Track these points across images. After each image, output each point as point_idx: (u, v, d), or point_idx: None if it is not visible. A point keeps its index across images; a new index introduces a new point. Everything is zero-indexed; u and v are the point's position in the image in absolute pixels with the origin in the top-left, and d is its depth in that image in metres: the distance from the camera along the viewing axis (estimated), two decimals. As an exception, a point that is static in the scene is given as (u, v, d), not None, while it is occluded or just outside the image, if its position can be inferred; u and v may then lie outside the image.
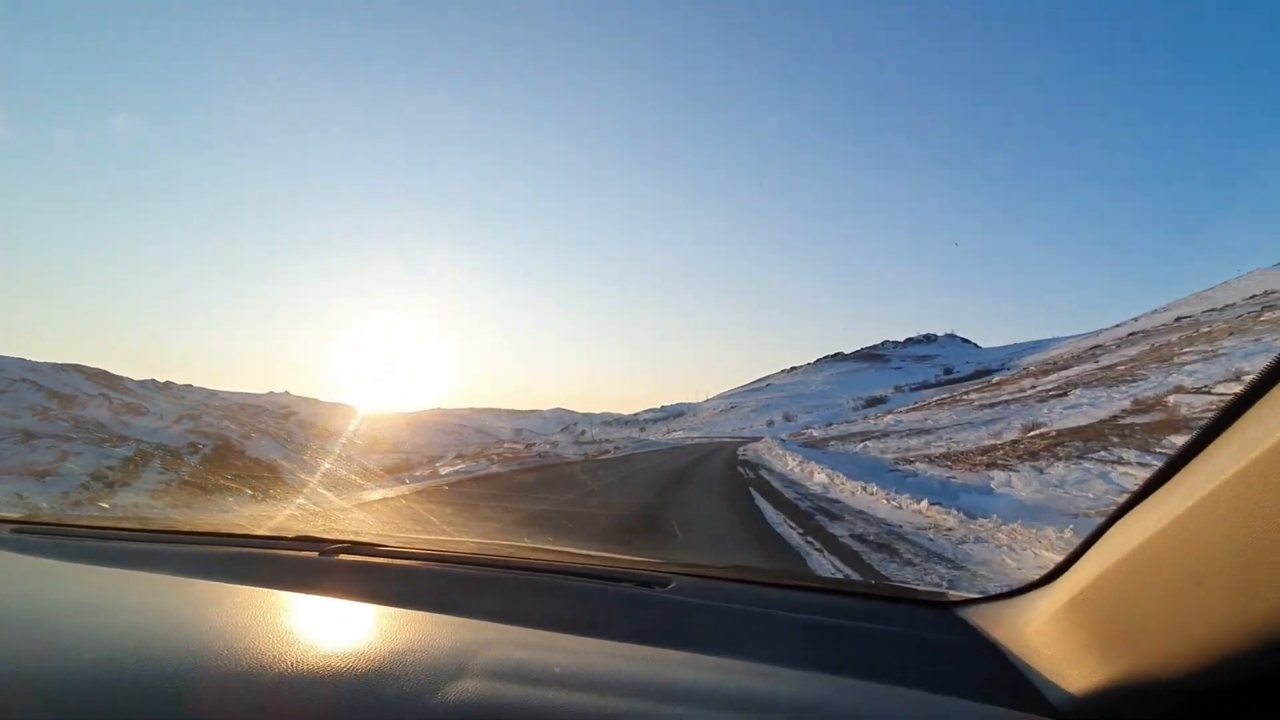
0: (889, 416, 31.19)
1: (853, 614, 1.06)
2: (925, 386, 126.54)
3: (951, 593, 1.15)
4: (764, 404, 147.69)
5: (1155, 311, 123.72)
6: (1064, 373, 30.94)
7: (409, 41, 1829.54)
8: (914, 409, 35.16)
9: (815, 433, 33.00)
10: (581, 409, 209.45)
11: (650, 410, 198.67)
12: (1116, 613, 0.67)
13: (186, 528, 1.58)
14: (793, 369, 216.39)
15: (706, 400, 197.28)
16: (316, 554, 1.28)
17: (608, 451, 26.97)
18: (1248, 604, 0.49)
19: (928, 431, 20.15)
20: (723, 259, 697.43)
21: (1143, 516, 0.65)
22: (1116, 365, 27.27)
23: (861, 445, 19.78)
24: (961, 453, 13.37)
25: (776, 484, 11.50)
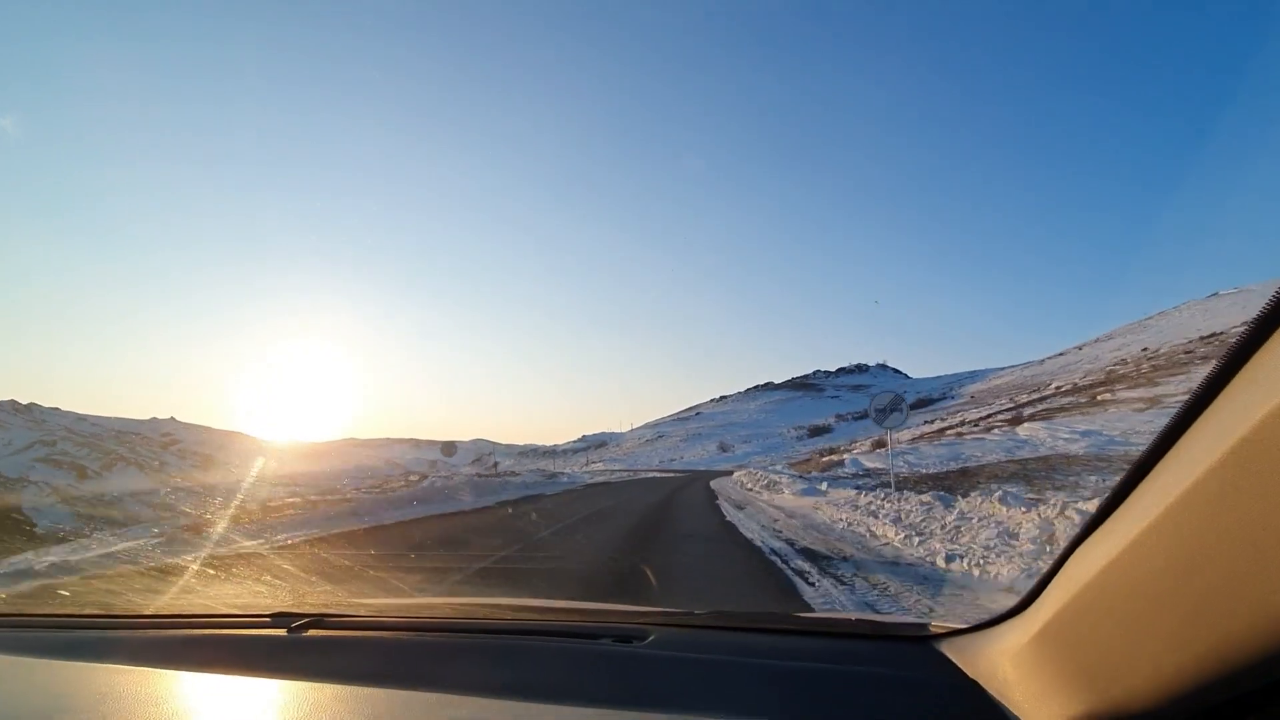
0: (993, 433, 16.36)
1: (835, 656, 1.07)
2: (866, 415, 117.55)
3: (934, 624, 1.14)
4: (694, 433, 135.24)
5: (1099, 340, 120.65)
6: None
7: (320, 62, 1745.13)
8: (988, 421, 20.77)
9: (864, 460, 17.68)
10: (504, 440, 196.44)
11: (571, 441, 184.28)
12: (1081, 643, 0.66)
13: (148, 611, 1.54)
14: (723, 398, 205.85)
15: (631, 430, 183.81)
16: (284, 631, 1.24)
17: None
18: (1198, 632, 0.48)
19: None
20: (646, 289, 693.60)
21: (1098, 543, 0.64)
22: None
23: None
24: None
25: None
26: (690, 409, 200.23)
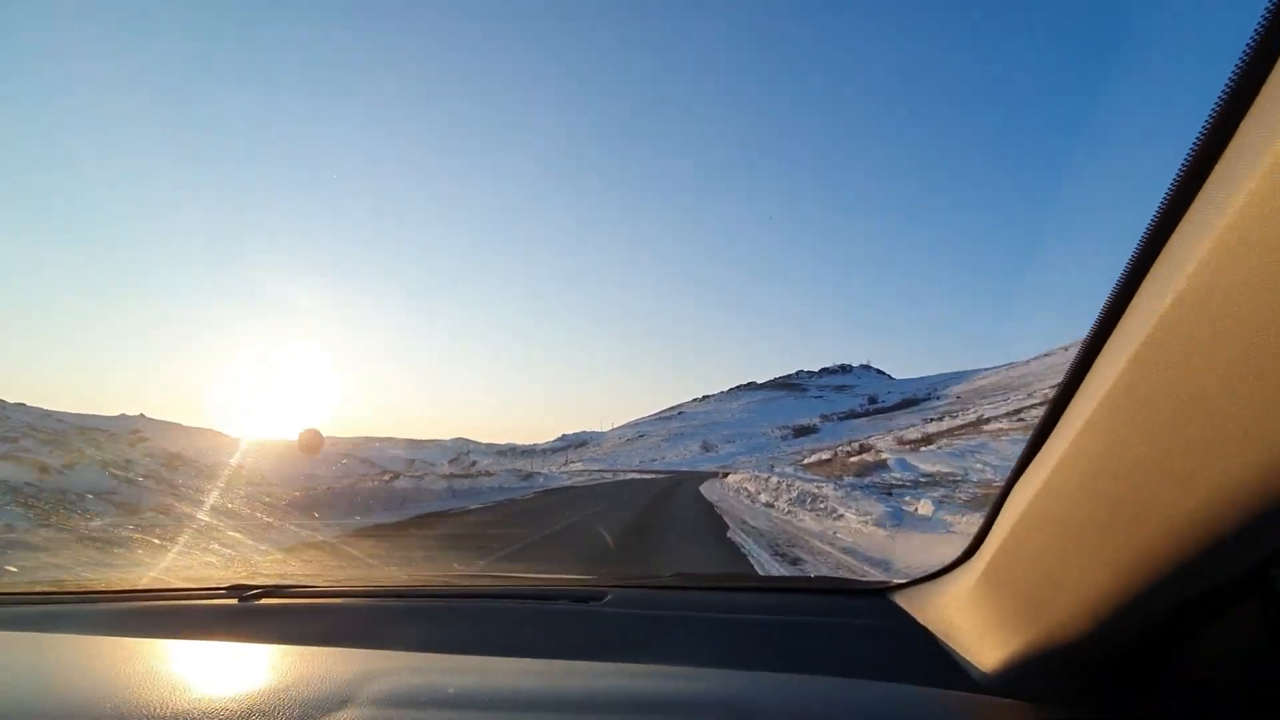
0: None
1: (791, 609, 1.10)
2: (854, 416, 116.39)
3: (889, 580, 1.17)
4: (677, 433, 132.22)
5: (1065, 349, 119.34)
6: None
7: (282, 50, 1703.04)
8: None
9: (915, 462, 13.77)
10: (485, 439, 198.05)
11: (551, 440, 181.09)
12: (1018, 578, 0.67)
13: (100, 586, 1.56)
14: (705, 398, 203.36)
15: (613, 429, 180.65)
16: (235, 600, 1.26)
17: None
18: (1115, 555, 0.49)
19: None
20: (628, 289, 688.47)
21: (1027, 481, 0.65)
22: None
23: None
24: None
25: None
26: (672, 408, 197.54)
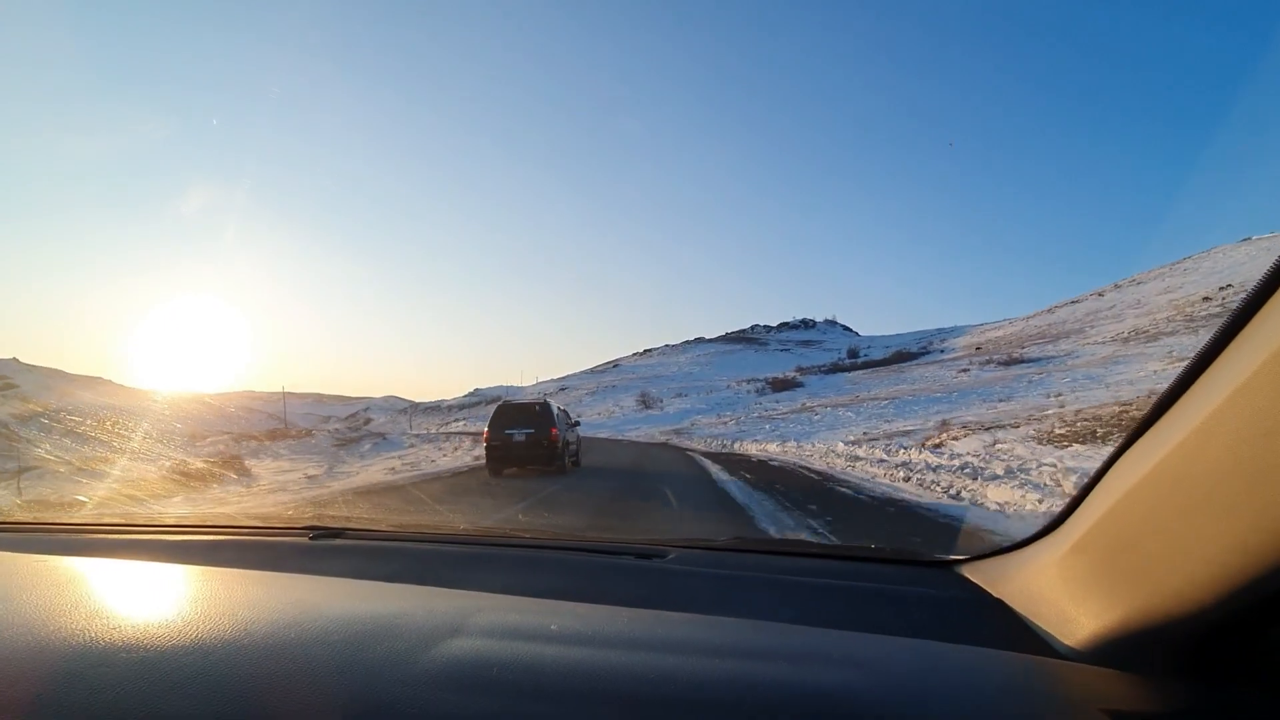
0: None
1: (856, 575, 1.11)
2: (838, 369, 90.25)
3: (955, 555, 1.16)
4: (608, 386, 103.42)
5: (1119, 286, 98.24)
6: None
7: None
8: None
9: None
10: (417, 397, 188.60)
11: (461, 396, 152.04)
12: (1120, 552, 0.66)
13: (171, 520, 1.61)
14: (647, 351, 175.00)
15: (536, 383, 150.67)
16: (307, 539, 1.33)
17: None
18: (1246, 529, 0.48)
19: None
20: (567, 243, 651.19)
21: (1141, 452, 0.63)
22: None
23: None
24: None
25: None
26: (608, 362, 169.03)
